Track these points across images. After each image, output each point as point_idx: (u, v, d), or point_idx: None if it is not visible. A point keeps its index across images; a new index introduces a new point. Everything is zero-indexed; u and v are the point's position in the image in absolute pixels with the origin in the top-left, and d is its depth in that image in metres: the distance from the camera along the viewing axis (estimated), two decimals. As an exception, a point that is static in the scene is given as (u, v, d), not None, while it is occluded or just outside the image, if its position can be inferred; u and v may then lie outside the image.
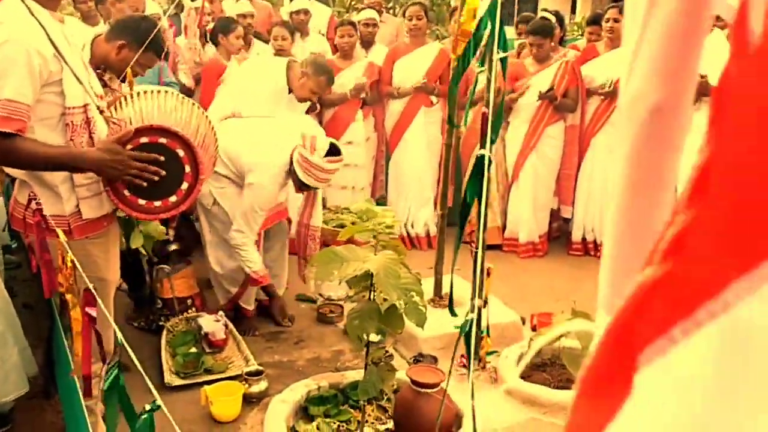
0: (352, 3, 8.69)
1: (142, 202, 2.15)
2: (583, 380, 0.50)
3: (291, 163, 3.36)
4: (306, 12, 5.36)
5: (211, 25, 5.08)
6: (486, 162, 1.49)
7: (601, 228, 5.11)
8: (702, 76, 4.20)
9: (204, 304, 3.85)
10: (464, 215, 2.62)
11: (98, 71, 2.54)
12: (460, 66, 2.98)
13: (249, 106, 3.78)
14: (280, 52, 4.68)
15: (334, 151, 3.40)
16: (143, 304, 3.78)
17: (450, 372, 2.19)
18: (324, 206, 4.07)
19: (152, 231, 3.28)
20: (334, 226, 3.93)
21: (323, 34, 5.87)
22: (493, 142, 3.14)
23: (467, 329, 0.88)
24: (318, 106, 4.79)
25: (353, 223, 3.77)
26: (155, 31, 2.67)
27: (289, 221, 3.94)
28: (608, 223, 0.65)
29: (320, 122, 5.03)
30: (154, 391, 0.98)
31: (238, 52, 4.59)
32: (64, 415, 2.63)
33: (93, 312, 1.49)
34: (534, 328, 3.73)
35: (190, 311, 3.70)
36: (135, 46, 2.65)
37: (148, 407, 0.98)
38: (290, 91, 3.88)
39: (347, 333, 3.61)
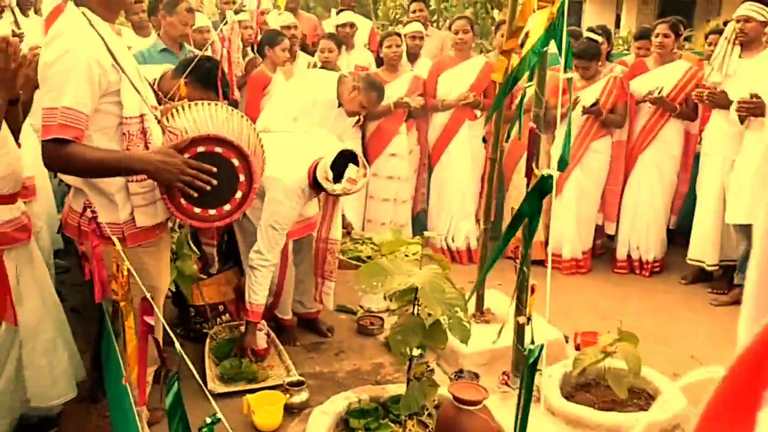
0: (396, 16, 8.73)
1: (197, 210, 2.18)
2: (704, 414, 0.48)
3: (310, 179, 3.28)
4: (352, 25, 5.40)
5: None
6: (554, 182, 1.46)
7: (646, 246, 5.02)
8: (757, 97, 4.11)
9: (239, 312, 3.86)
10: (512, 231, 2.59)
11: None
12: (508, 82, 2.95)
13: (302, 118, 3.80)
14: (326, 64, 4.71)
15: (351, 157, 3.31)
16: (181, 312, 3.83)
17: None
18: (349, 233, 4.01)
19: (186, 269, 3.31)
20: (349, 258, 3.83)
21: (366, 47, 5.91)
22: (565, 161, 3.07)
23: (536, 356, 0.85)
24: (362, 119, 4.81)
25: (369, 257, 3.71)
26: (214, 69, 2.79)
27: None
28: (752, 264, 0.60)
29: (363, 135, 5.06)
30: (213, 404, 0.98)
31: (284, 64, 4.65)
32: (112, 420, 2.67)
33: (151, 321, 1.51)
34: (578, 347, 3.66)
35: (223, 317, 3.73)
36: (198, 86, 2.74)
37: (209, 420, 0.98)
38: (340, 104, 3.88)
39: (388, 346, 3.61)
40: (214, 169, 2.14)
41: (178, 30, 4.15)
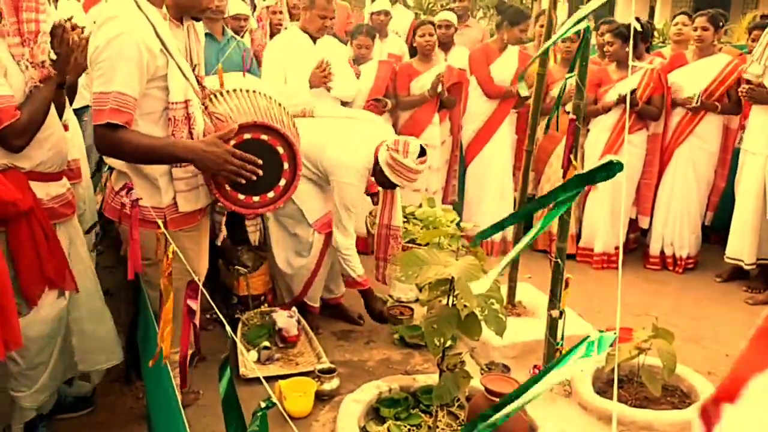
0: (429, 5, 8.68)
1: (241, 197, 2.20)
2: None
3: (375, 162, 3.38)
4: (386, 13, 5.38)
5: (287, 23, 5.16)
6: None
7: (680, 242, 4.94)
8: (762, 86, 4.06)
9: (275, 299, 3.90)
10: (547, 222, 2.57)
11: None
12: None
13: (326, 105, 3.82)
14: (360, 58, 4.72)
15: (420, 152, 3.40)
16: (215, 295, 3.85)
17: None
18: None
19: None
20: (406, 242, 3.90)
21: (398, 34, 5.87)
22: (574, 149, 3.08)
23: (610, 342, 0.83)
24: (388, 103, 4.79)
25: (415, 242, 3.80)
26: None
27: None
28: None
29: (395, 124, 5.04)
30: (268, 388, 0.98)
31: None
32: (147, 401, 2.71)
33: (194, 305, 1.52)
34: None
35: (263, 306, 3.76)
36: None
37: (263, 404, 0.99)
38: (310, 36, 3.94)
39: (403, 340, 3.62)
40: (260, 161, 2.16)
41: (316, 24, 3.98)
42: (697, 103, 4.60)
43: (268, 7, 5.04)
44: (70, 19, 2.23)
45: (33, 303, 2.31)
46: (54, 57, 2.23)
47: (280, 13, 5.23)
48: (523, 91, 3.50)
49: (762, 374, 0.47)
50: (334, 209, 3.51)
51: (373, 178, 3.52)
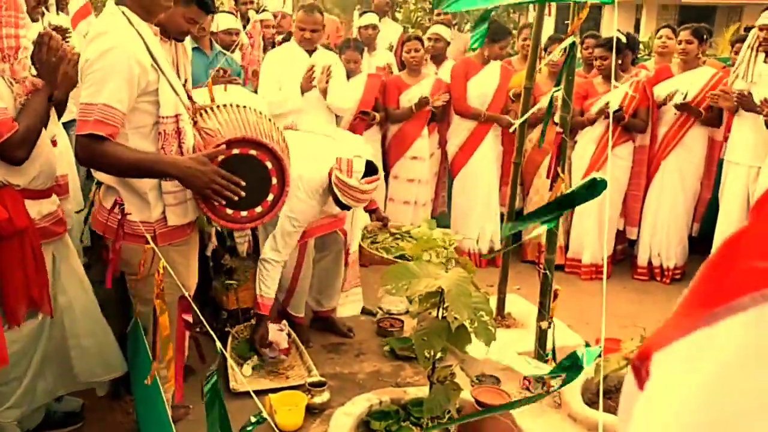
0: (418, 19, 8.74)
1: (229, 211, 2.20)
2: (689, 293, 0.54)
3: (329, 182, 3.30)
4: (374, 27, 5.41)
5: (279, 38, 5.20)
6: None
7: (668, 253, 4.98)
8: (748, 94, 4.22)
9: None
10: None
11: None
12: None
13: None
14: (349, 72, 4.76)
15: (371, 169, 3.33)
16: (205, 308, 3.84)
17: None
18: (385, 225, 4.03)
19: None
20: (395, 256, 3.84)
21: (392, 45, 5.92)
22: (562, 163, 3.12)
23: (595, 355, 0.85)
24: (376, 116, 4.83)
25: (411, 258, 3.74)
26: None
27: (344, 233, 3.94)
28: None
29: (385, 137, 5.07)
30: (258, 402, 0.99)
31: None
32: (138, 416, 2.70)
33: (190, 318, 1.52)
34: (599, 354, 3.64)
35: (253, 320, 3.74)
36: (181, 1, 2.61)
37: (254, 419, 0.99)
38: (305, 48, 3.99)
39: (393, 352, 3.61)
40: (243, 183, 2.16)
41: (296, 35, 4.13)
42: (684, 100, 4.64)
43: (261, 21, 5.08)
44: (59, 28, 2.24)
45: (16, 322, 2.30)
46: (35, 73, 2.24)
47: (273, 27, 5.28)
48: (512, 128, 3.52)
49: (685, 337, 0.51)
50: (278, 224, 3.37)
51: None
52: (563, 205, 1.02)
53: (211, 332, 1.31)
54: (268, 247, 3.38)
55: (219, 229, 3.46)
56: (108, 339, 2.70)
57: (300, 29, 4.07)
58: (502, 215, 4.87)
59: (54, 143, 2.54)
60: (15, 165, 2.15)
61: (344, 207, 3.41)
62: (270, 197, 2.25)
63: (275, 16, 5.55)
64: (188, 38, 4.10)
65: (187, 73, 2.54)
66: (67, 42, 3.07)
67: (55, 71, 2.26)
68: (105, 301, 3.45)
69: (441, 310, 2.49)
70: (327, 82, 4.11)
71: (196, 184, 2.13)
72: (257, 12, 5.34)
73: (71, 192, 2.98)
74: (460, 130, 5.10)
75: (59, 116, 2.67)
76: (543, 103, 3.81)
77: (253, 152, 2.18)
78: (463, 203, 5.18)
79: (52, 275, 2.44)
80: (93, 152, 2.04)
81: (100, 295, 3.79)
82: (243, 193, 2.19)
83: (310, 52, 4.13)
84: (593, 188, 0.92)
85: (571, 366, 0.97)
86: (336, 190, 3.25)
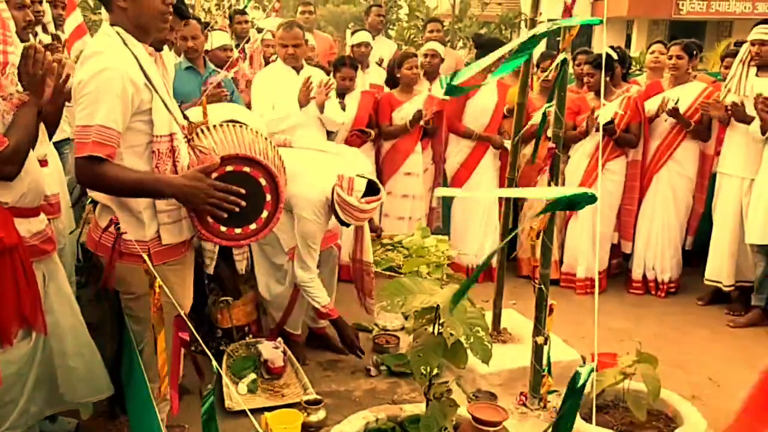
0: (411, 36, 8.80)
1: (223, 229, 2.21)
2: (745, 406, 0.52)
3: (332, 199, 3.33)
4: (367, 45, 5.45)
5: (274, 57, 5.23)
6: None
7: (662, 266, 5.00)
8: (741, 104, 4.26)
9: (260, 329, 3.88)
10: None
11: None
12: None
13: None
14: (344, 89, 4.79)
15: (374, 188, 3.36)
16: (200, 327, 3.82)
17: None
18: (378, 236, 4.05)
19: None
20: (383, 269, 3.87)
21: (379, 64, 5.96)
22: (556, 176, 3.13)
23: (585, 379, 0.85)
24: (371, 133, 4.87)
25: (399, 268, 3.78)
26: None
27: (339, 247, 3.95)
28: None
29: (378, 153, 5.08)
30: (254, 421, 0.99)
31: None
32: (132, 435, 2.68)
33: (186, 336, 1.52)
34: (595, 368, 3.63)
35: (248, 337, 3.74)
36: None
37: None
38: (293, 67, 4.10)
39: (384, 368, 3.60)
40: (242, 191, 2.17)
41: (280, 52, 4.24)
42: (676, 104, 4.67)
43: (263, 41, 5.19)
44: (49, 44, 2.25)
45: (8, 342, 2.28)
46: (21, 89, 2.24)
47: (272, 47, 5.33)
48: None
49: None
50: (298, 246, 3.45)
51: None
52: (553, 207, 1.03)
53: (207, 351, 1.31)
54: (299, 271, 3.47)
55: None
56: (95, 359, 2.67)
57: (282, 46, 4.17)
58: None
59: (45, 163, 2.54)
60: (5, 180, 2.15)
61: (344, 224, 3.43)
62: (264, 214, 2.25)
63: (274, 36, 5.61)
64: (170, 53, 4.13)
65: (168, 88, 2.53)
66: (59, 53, 3.08)
67: (41, 84, 2.25)
68: (100, 320, 3.44)
69: (437, 326, 2.49)
70: (327, 95, 4.16)
71: (193, 200, 2.14)
72: (258, 32, 5.42)
73: (63, 211, 2.97)
74: (461, 147, 5.15)
75: (51, 135, 2.67)
76: (536, 118, 3.83)
77: (246, 169, 2.19)
78: (462, 220, 5.20)
79: (41, 294, 2.43)
80: (93, 174, 2.05)
81: (93, 314, 3.78)
82: (243, 203, 2.19)
83: (297, 70, 4.21)
84: (581, 200, 0.93)
85: (572, 393, 0.97)
86: (337, 207, 3.29)
